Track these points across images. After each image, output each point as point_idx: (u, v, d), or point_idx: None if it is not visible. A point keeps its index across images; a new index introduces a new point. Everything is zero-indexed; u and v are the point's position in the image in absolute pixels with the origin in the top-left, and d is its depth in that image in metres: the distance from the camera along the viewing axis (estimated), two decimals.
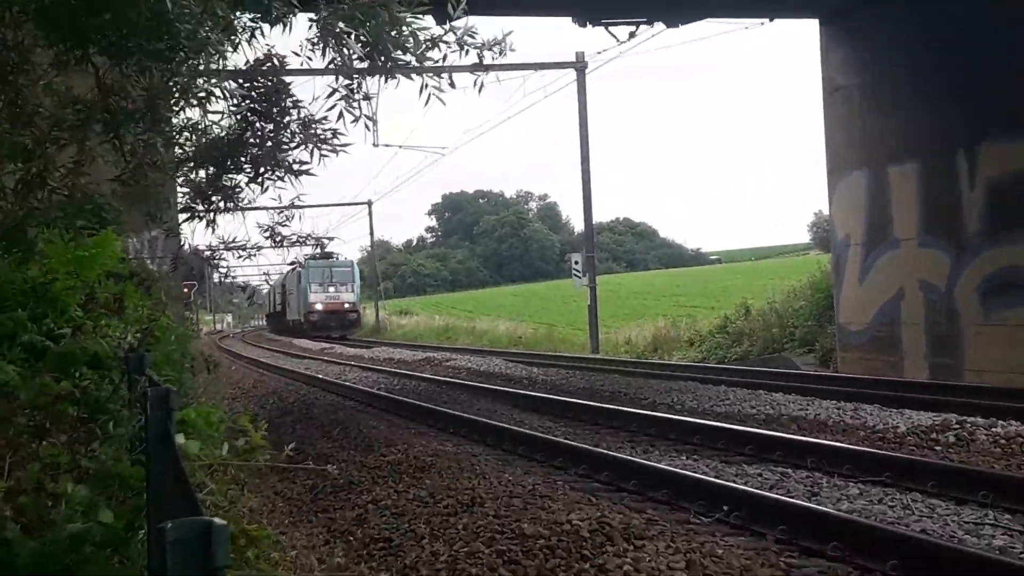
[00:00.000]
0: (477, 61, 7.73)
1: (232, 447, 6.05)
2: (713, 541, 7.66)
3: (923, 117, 20.38)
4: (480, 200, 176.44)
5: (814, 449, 11.45)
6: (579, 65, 35.22)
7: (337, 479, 11.10)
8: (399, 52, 7.09)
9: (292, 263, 66.27)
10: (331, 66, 7.60)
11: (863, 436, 13.03)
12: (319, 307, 63.60)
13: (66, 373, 5.88)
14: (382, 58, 7.15)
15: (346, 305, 64.33)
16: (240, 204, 10.41)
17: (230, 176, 9.42)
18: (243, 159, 9.05)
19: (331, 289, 64.14)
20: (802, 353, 27.04)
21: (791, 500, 8.94)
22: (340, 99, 7.98)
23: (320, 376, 28.23)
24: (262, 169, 9.04)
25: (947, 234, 19.93)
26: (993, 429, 12.40)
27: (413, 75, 7.54)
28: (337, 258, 66.36)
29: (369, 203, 71.45)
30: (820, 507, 8.70)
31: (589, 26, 21.26)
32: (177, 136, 8.18)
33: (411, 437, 13.93)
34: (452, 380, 23.98)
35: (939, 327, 20.20)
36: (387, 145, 50.74)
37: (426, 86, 7.35)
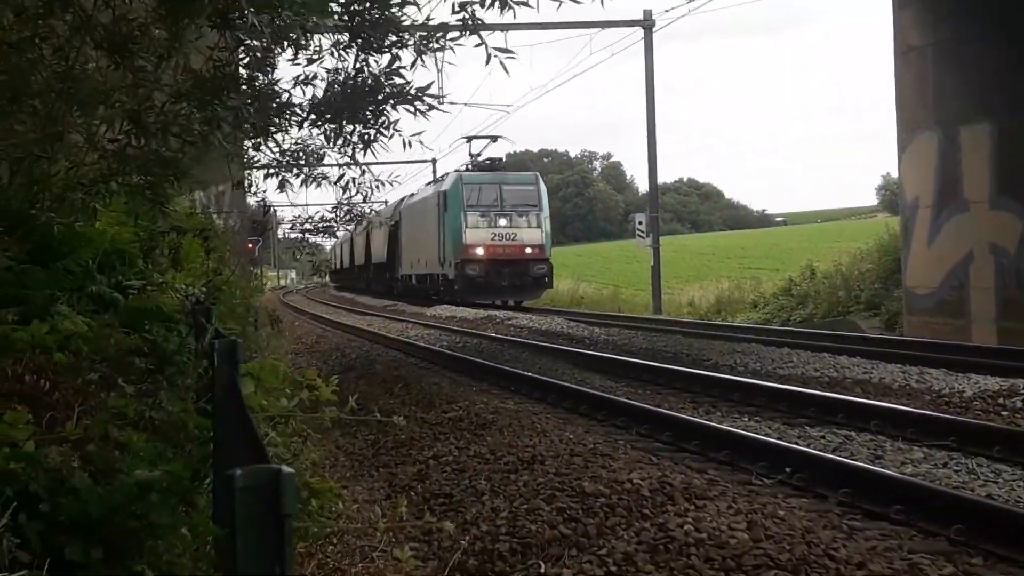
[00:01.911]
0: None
1: (296, 400, 6.10)
2: (775, 502, 7.62)
3: (996, 77, 20.02)
4: (544, 159, 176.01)
5: (878, 412, 11.35)
6: (647, 23, 34.94)
7: (399, 434, 11.17)
8: None
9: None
10: None
11: (928, 400, 12.90)
12: (480, 252, 38.35)
13: (137, 327, 5.96)
14: None
15: (529, 250, 38.61)
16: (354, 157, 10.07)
17: (352, 124, 9.14)
18: (365, 104, 8.71)
19: (502, 222, 38.72)
20: (867, 316, 26.81)
21: (854, 463, 8.87)
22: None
23: (382, 333, 28.37)
24: (386, 106, 8.65)
25: (1019, 196, 19.61)
26: None
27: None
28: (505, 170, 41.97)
29: (433, 161, 71.45)
30: (883, 470, 8.63)
31: None
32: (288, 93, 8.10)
33: (472, 394, 13.97)
34: (514, 339, 24.01)
35: (1009, 291, 19.92)
36: (452, 102, 50.65)
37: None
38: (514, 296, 39.20)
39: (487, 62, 7.88)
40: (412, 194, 46.26)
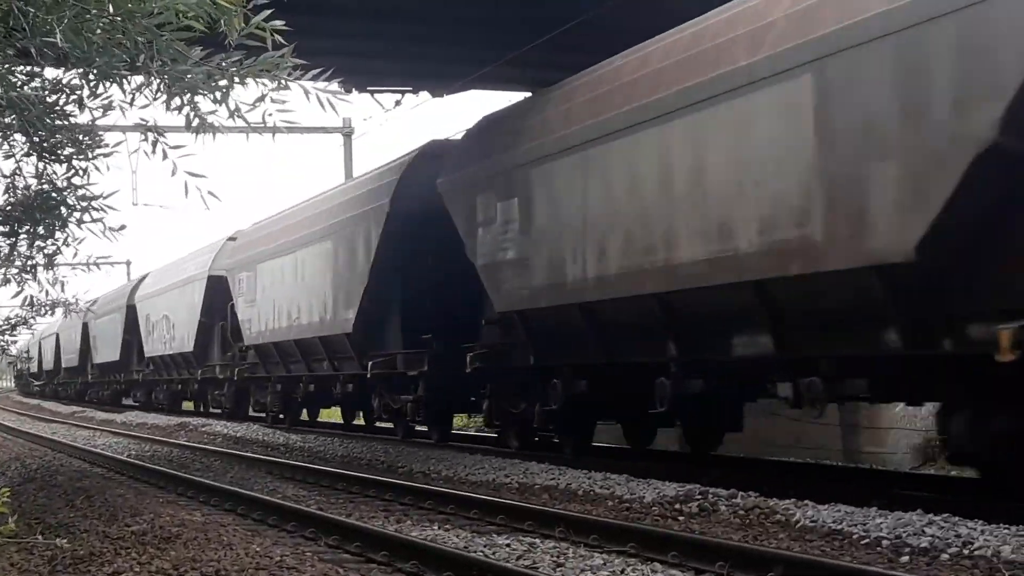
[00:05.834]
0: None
1: None
2: None
3: None
4: None
5: (563, 518, 11.66)
6: (346, 131, 35.58)
7: (78, 550, 10.72)
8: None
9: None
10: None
11: (611, 506, 13.29)
12: None
13: None
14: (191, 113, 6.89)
15: None
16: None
17: (39, 237, 8.63)
18: (52, 216, 8.25)
19: None
20: None
21: (535, 572, 9.08)
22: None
23: (67, 441, 27.23)
24: (69, 220, 8.20)
25: None
26: (733, 500, 12.82)
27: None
28: None
29: (128, 263, 69.23)
30: None
31: (356, 92, 21.44)
32: None
33: (159, 506, 13.56)
34: (206, 447, 23.49)
35: None
36: (147, 204, 49.33)
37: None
38: None
39: (173, 172, 7.65)
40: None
